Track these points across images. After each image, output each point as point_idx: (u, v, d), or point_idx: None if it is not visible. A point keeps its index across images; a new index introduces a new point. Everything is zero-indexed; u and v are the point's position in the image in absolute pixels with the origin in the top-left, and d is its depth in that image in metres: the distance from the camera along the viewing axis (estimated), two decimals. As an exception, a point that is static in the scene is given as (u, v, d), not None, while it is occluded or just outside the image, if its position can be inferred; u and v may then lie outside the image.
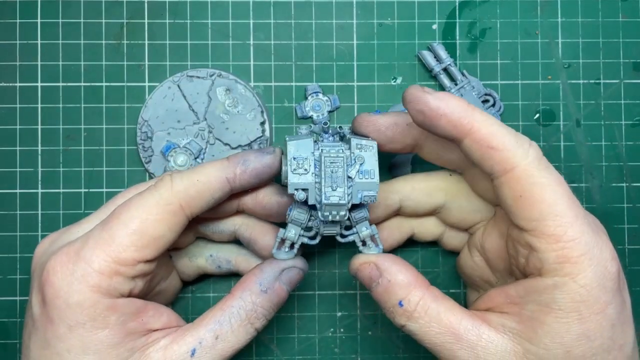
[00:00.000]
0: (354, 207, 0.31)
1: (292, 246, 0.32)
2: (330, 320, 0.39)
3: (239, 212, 0.34)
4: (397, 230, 0.35)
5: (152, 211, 0.29)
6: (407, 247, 0.38)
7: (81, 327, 0.28)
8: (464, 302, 0.38)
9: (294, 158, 0.29)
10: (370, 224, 0.32)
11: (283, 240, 0.31)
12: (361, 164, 0.30)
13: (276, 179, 0.32)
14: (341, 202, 0.29)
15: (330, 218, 0.29)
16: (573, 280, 0.27)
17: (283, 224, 0.32)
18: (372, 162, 0.30)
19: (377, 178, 0.30)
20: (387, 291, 0.30)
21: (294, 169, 0.29)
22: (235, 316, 0.30)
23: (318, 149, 0.30)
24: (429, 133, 0.30)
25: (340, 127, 0.32)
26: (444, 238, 0.36)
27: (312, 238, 0.32)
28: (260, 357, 0.39)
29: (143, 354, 0.29)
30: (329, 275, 0.39)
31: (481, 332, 0.28)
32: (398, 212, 0.35)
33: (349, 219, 0.31)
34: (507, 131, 0.28)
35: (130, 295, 0.29)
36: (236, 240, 0.35)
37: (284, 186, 0.31)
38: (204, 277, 0.38)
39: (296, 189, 0.29)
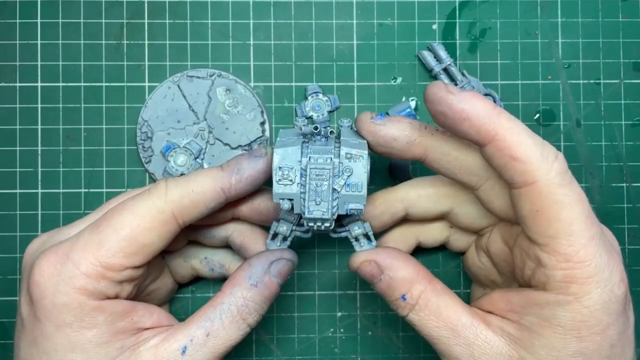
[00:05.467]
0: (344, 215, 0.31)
1: (285, 239, 0.32)
2: (330, 320, 0.39)
3: (233, 218, 0.34)
4: (402, 243, 0.35)
5: (143, 219, 0.28)
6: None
7: (68, 327, 0.27)
8: (466, 300, 0.38)
9: (280, 168, 0.29)
10: (364, 222, 0.32)
11: (276, 234, 0.32)
12: (349, 176, 0.29)
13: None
14: (324, 216, 0.28)
15: (315, 228, 0.29)
16: (577, 300, 0.26)
17: None
18: (360, 174, 0.29)
19: (364, 191, 0.29)
20: (390, 287, 0.30)
21: (279, 180, 0.29)
22: (226, 312, 0.29)
23: (306, 155, 0.29)
24: (430, 150, 0.30)
25: (331, 132, 0.30)
26: (450, 241, 0.36)
27: (305, 232, 0.32)
28: (260, 357, 0.39)
29: (133, 353, 0.28)
30: (329, 276, 0.39)
31: (479, 331, 0.28)
32: (405, 219, 0.34)
33: (340, 222, 0.31)
34: (534, 141, 0.27)
35: (117, 297, 0.29)
36: (229, 246, 0.35)
37: None
38: (199, 279, 0.38)
39: (281, 199, 0.29)
